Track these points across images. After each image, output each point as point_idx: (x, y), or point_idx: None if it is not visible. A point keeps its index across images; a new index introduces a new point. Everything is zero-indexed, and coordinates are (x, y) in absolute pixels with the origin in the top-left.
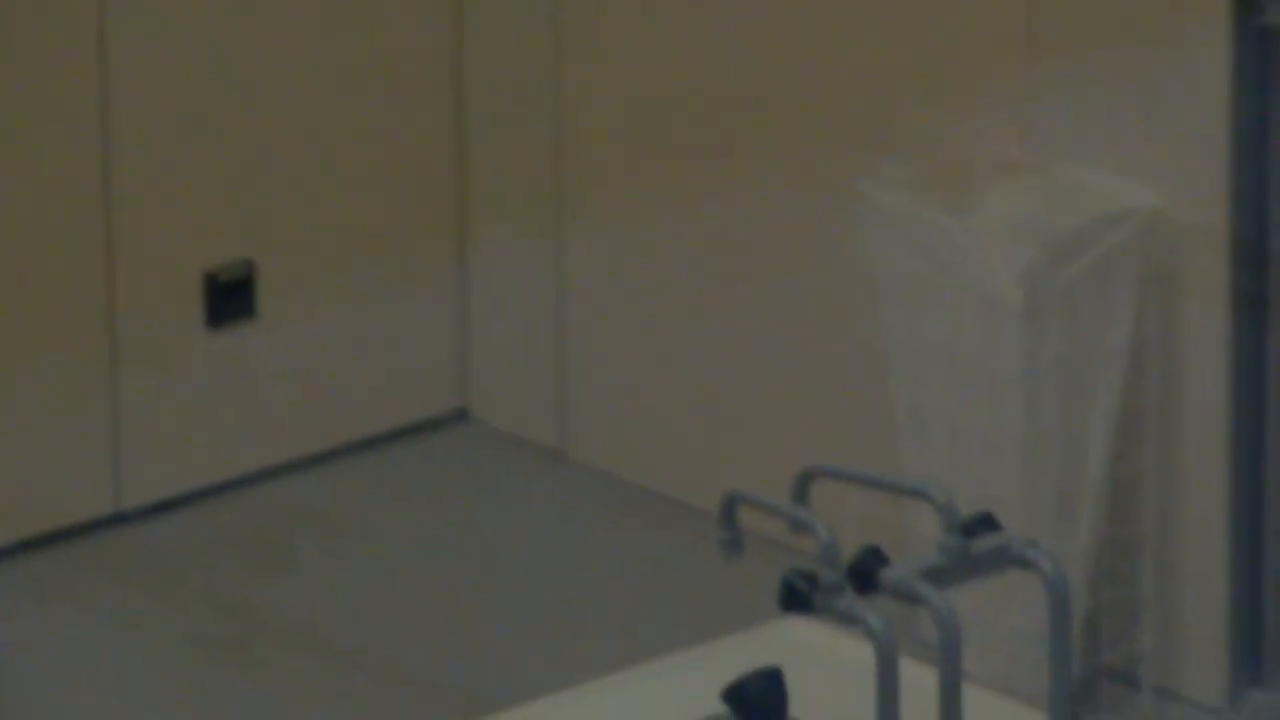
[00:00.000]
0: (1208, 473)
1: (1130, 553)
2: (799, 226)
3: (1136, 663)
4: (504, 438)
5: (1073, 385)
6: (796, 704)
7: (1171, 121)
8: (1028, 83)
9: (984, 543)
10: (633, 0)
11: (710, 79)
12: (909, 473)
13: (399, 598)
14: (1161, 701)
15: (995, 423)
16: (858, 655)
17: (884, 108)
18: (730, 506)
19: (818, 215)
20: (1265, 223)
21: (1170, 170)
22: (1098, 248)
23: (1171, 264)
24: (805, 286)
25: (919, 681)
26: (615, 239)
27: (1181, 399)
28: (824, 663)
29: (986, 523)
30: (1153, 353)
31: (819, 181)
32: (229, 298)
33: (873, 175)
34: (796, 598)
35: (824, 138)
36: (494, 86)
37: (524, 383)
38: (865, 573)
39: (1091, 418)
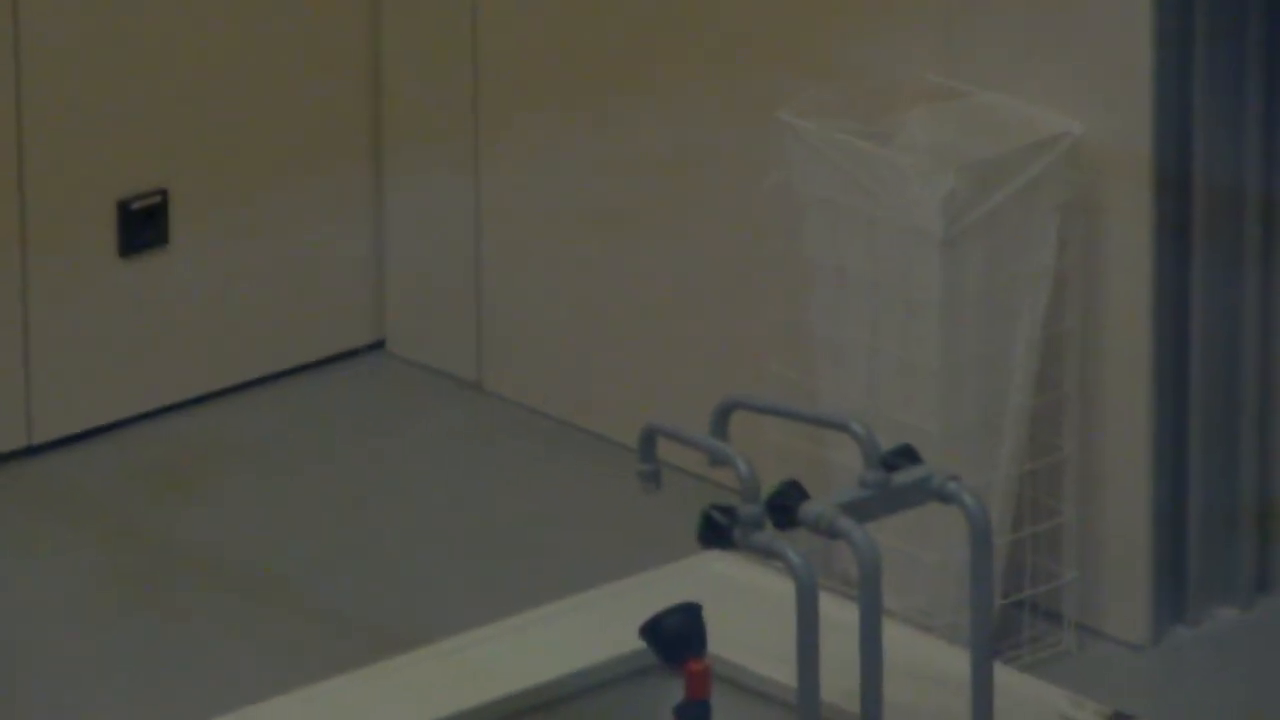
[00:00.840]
0: (1130, 402)
1: (1052, 484)
2: (719, 152)
3: (1058, 598)
4: (421, 369)
5: (993, 313)
6: (715, 639)
7: (1094, 48)
8: (950, 9)
9: (904, 476)
10: None
11: (629, 3)
12: (828, 402)
13: (314, 530)
14: (1084, 637)
15: (915, 351)
16: (778, 590)
17: (806, 32)
18: (649, 439)
19: (737, 141)
20: (1188, 148)
21: (1093, 97)
22: (1019, 175)
23: (1094, 191)
24: (725, 213)
25: (839, 616)
26: (533, 169)
27: (1103, 327)
28: (743, 597)
29: (907, 455)
30: (1074, 280)
31: (739, 106)
32: (141, 226)
33: (794, 100)
34: (715, 532)
35: (744, 61)
36: (409, 10)
37: (441, 314)
38: (784, 507)
39: (1012, 346)
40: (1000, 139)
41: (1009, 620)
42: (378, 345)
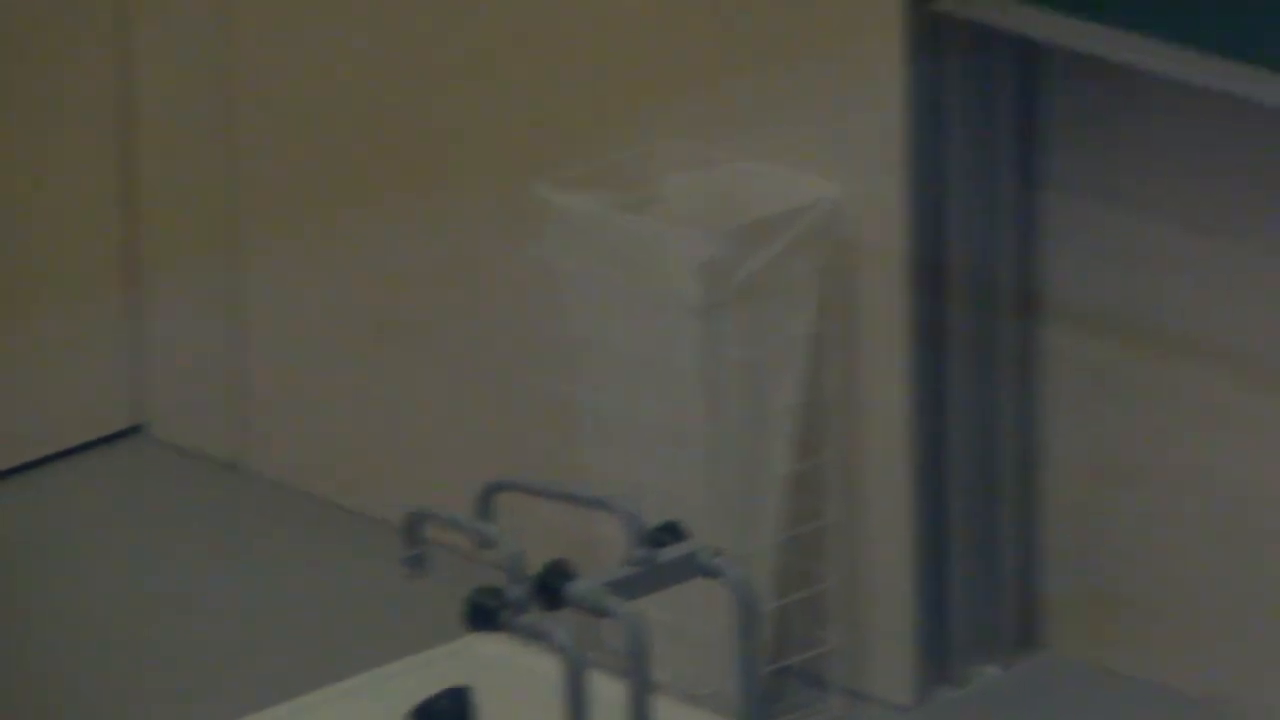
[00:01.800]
0: (890, 466)
1: (815, 551)
2: (477, 231)
3: (824, 663)
4: (181, 452)
5: (753, 381)
6: None
7: (849, 113)
8: (704, 75)
9: (671, 552)
10: (298, 29)
11: (379, 94)
12: (594, 476)
13: (73, 619)
14: (850, 701)
15: (677, 421)
16: (547, 670)
17: (560, 106)
18: (414, 524)
19: (496, 218)
20: (941, 211)
21: (848, 162)
22: (777, 241)
23: (851, 256)
24: (487, 292)
25: (609, 694)
26: (293, 248)
27: (863, 391)
28: (513, 679)
29: (673, 531)
30: (834, 345)
31: (496, 184)
32: None
33: (550, 174)
34: (482, 615)
35: (499, 139)
36: (165, 105)
37: (202, 397)
38: (551, 588)
39: (773, 414)
40: (757, 205)
41: (775, 687)
42: (138, 430)
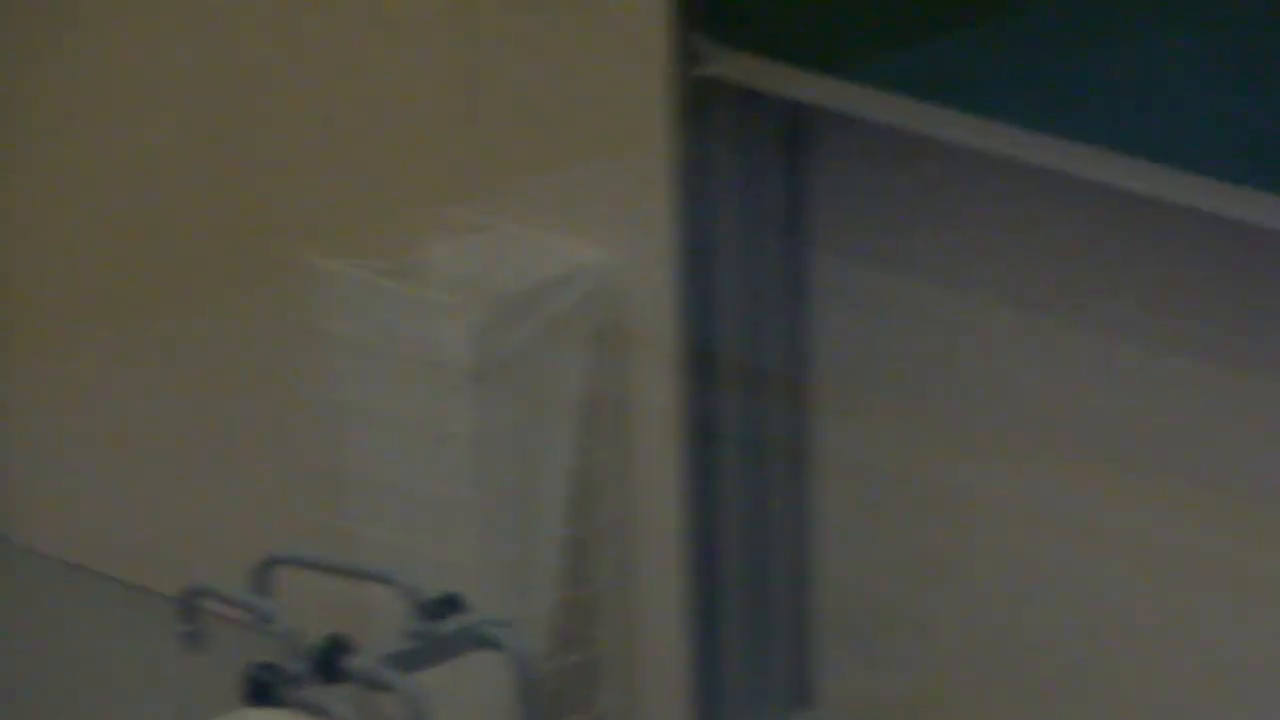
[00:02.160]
0: (663, 529)
1: (589, 615)
2: (246, 301)
3: None
4: None
5: (526, 445)
6: None
7: (617, 178)
8: (470, 143)
9: (450, 624)
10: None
11: (138, 180)
12: (368, 545)
13: None
14: None
15: (448, 489)
16: None
17: (321, 176)
18: (190, 598)
19: (264, 289)
20: (710, 274)
21: (617, 227)
22: (547, 307)
23: (622, 320)
24: (254, 364)
25: None
26: (57, 323)
27: (636, 455)
28: None
29: (452, 604)
30: (607, 410)
31: (259, 258)
32: None
33: (318, 243)
34: (260, 690)
35: (259, 211)
36: None
37: None
38: (329, 662)
39: (545, 480)
40: (528, 271)
41: None
42: None
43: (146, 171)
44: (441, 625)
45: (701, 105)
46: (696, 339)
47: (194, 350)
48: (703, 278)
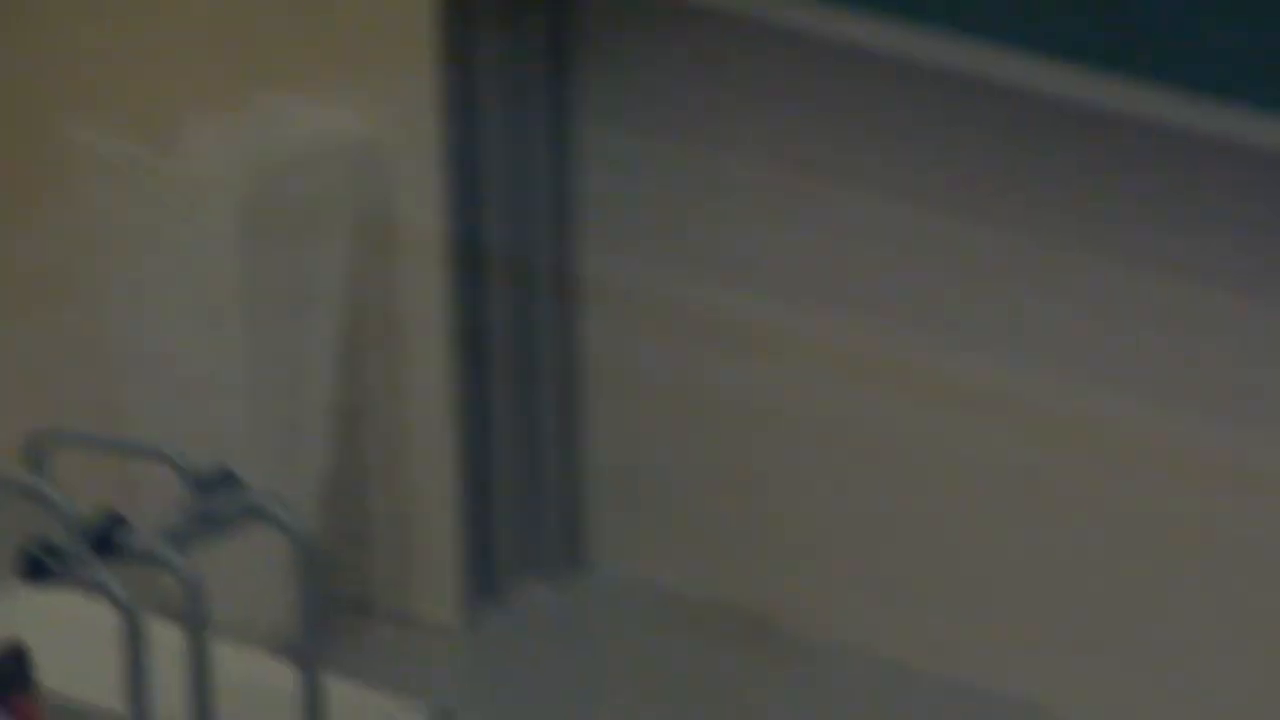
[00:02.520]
0: (433, 391)
1: (359, 480)
2: (12, 176)
3: (371, 591)
4: None
5: (293, 313)
6: (48, 675)
7: (381, 50)
8: (234, 16)
9: (224, 500)
10: None
11: None
12: (139, 419)
13: None
14: (398, 627)
15: (215, 359)
16: (104, 621)
17: (82, 47)
18: None
19: (31, 164)
20: (474, 144)
21: (381, 99)
22: (312, 177)
23: (387, 188)
24: (26, 236)
25: (168, 640)
26: None
27: (404, 321)
28: (71, 629)
29: (226, 479)
30: (374, 276)
31: (15, 132)
32: None
33: (80, 123)
34: (36, 568)
35: (18, 83)
36: None
37: None
38: (104, 539)
39: (313, 347)
40: (289, 141)
41: (322, 615)
42: None
43: None
44: (216, 501)
45: None
46: (463, 203)
47: None
48: (467, 145)
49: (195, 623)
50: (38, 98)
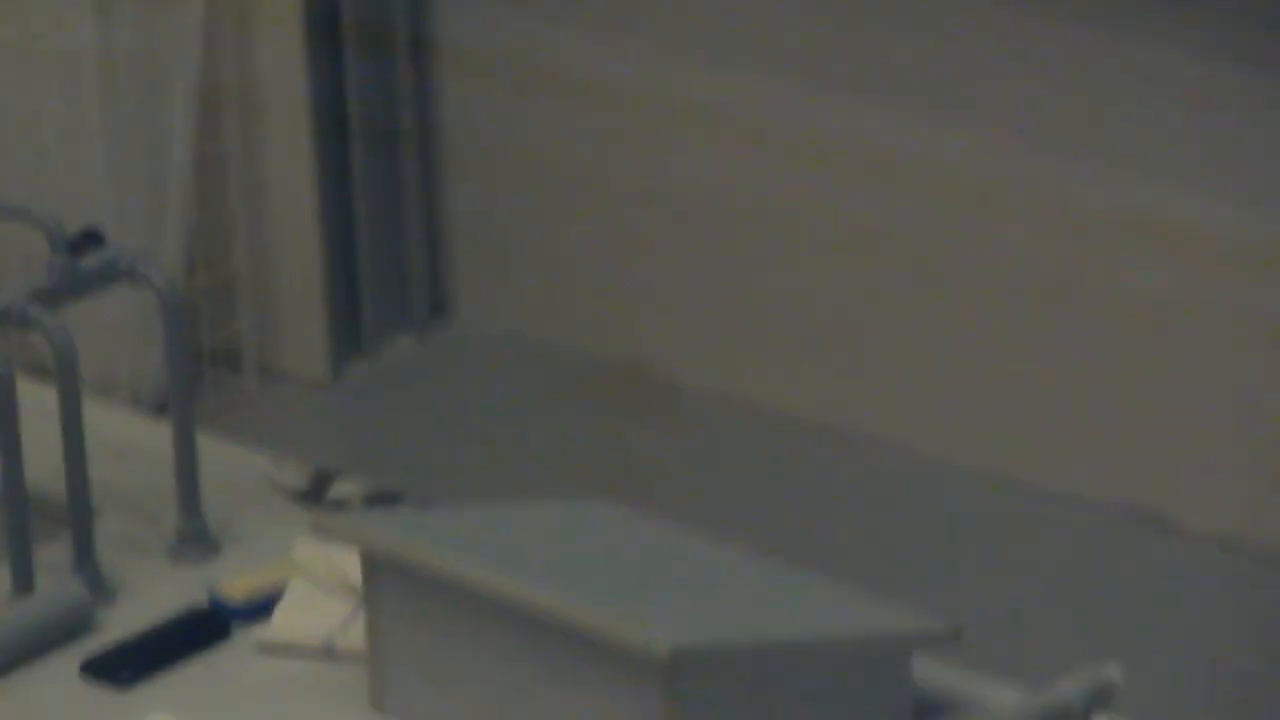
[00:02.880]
0: (293, 145)
1: (222, 233)
2: None
3: (237, 345)
4: None
5: (149, 69)
6: None
7: None
8: None
9: (92, 259)
10: None
11: None
12: (2, 187)
13: None
14: (265, 381)
15: (76, 116)
16: None
17: None
18: None
19: None
20: None
21: None
22: None
23: None
24: None
25: (39, 402)
26: None
27: (260, 71)
28: None
29: (93, 238)
30: (229, 28)
31: None
32: None
33: None
34: None
35: None
36: None
37: None
38: None
39: (171, 101)
40: None
41: (191, 371)
42: None
43: None
44: (83, 261)
45: None
46: None
47: None
48: None
49: (66, 382)
50: None
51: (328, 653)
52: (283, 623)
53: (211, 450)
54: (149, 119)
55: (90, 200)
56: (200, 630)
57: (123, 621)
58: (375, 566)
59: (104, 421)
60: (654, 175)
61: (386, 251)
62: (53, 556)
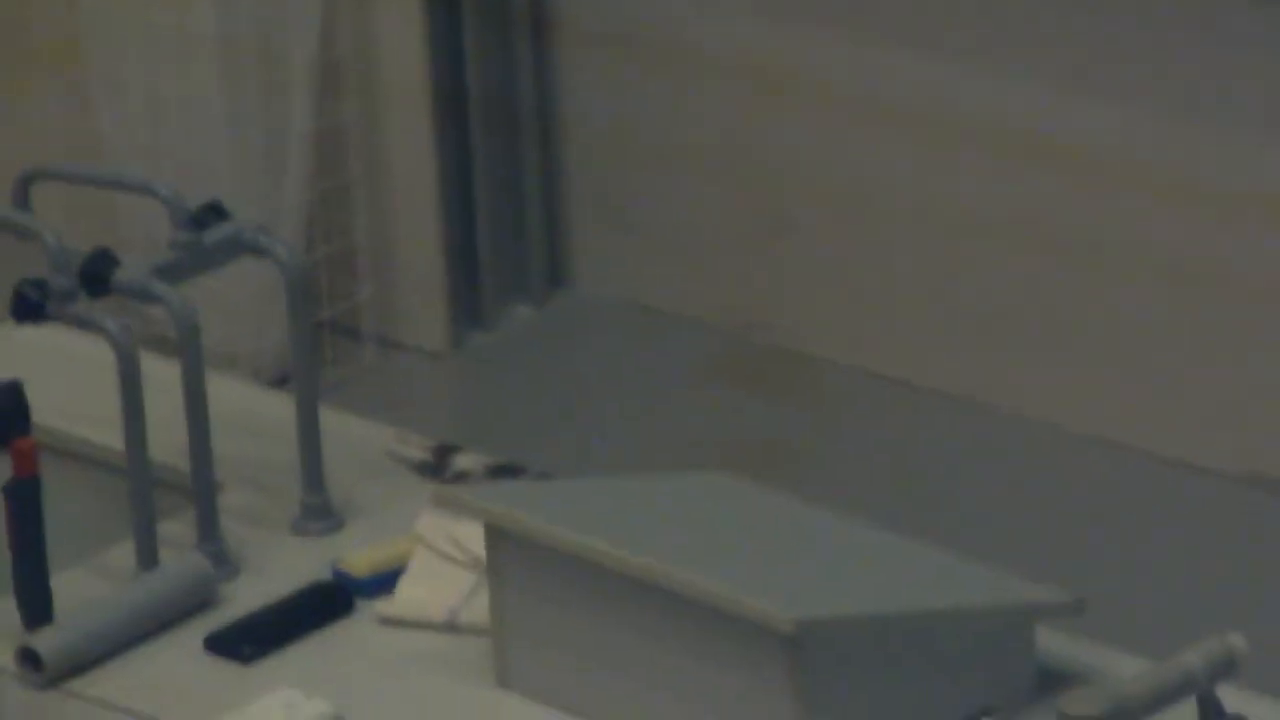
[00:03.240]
0: (413, 118)
1: (342, 205)
2: None
3: (357, 315)
4: None
5: (268, 41)
6: (44, 413)
7: None
8: None
9: (215, 233)
10: None
11: None
12: (113, 148)
13: None
14: (385, 350)
15: (193, 86)
16: (99, 357)
17: None
18: None
19: None
20: None
21: None
22: None
23: None
24: None
25: (162, 375)
26: None
27: (379, 45)
28: (65, 367)
29: (216, 211)
30: (347, 3)
31: None
32: None
33: None
34: (29, 307)
35: None
36: None
37: None
38: (97, 276)
39: (290, 73)
40: None
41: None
42: None
43: None
44: (206, 234)
45: None
46: None
47: None
48: None
49: (190, 356)
50: None
51: (451, 627)
52: (406, 597)
53: (334, 424)
54: (269, 94)
55: (211, 176)
56: (324, 604)
57: (246, 596)
58: (498, 540)
59: (227, 396)
60: (773, 150)
61: (504, 222)
62: (177, 531)
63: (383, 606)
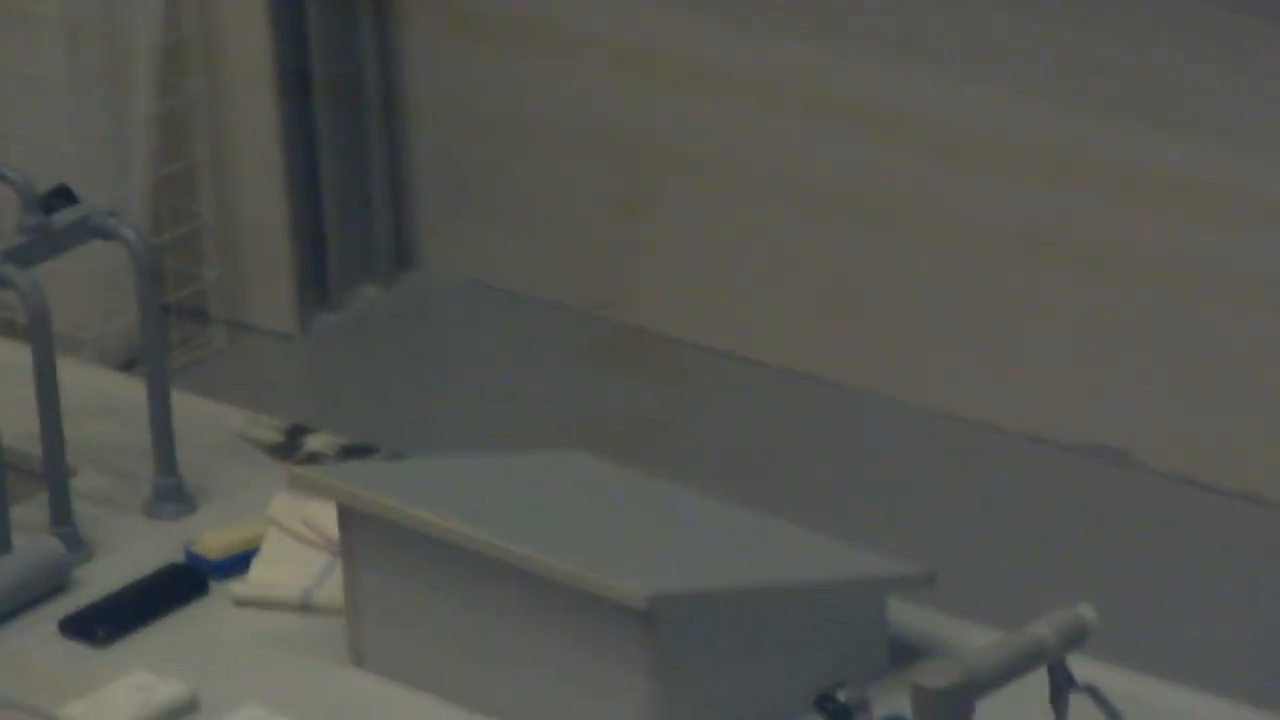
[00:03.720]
0: (257, 99)
1: (188, 187)
2: None
3: (205, 297)
4: None
5: (113, 22)
6: None
7: None
8: None
9: (64, 217)
10: None
11: None
12: None
13: None
14: (233, 332)
15: (38, 70)
16: None
17: None
18: None
19: None
20: None
21: None
22: None
23: None
24: None
25: (11, 359)
26: None
27: (223, 26)
28: None
29: (64, 196)
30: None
31: None
32: None
33: None
34: None
35: None
36: None
37: None
38: None
39: (135, 58)
40: None
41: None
42: None
43: None
44: (55, 218)
45: None
46: None
47: None
48: None
49: (40, 340)
50: None
51: (306, 607)
52: (260, 577)
53: (185, 406)
54: (113, 77)
55: (56, 159)
56: (178, 586)
57: (100, 579)
58: (351, 519)
59: (77, 379)
60: (627, 130)
61: (351, 203)
62: (30, 515)
63: (237, 588)
